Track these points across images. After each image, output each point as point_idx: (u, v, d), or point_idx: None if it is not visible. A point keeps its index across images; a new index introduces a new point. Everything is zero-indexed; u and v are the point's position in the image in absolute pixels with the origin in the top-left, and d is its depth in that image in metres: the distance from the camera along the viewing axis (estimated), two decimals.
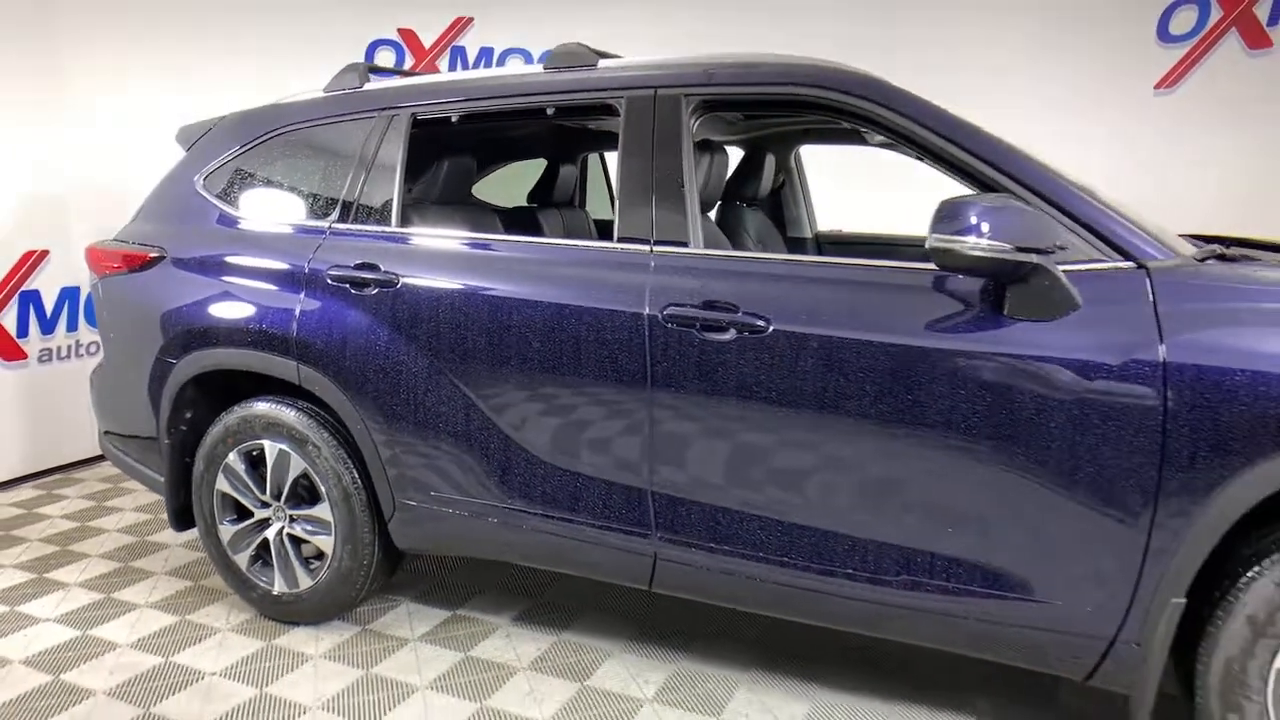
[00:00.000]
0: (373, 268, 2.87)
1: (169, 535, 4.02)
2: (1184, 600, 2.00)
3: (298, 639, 3.10)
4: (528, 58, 6.23)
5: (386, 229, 2.97)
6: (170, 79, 5.28)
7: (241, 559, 3.18)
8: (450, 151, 3.37)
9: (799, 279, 2.40)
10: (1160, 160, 5.07)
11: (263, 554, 3.17)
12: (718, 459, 2.44)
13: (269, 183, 3.28)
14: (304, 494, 3.08)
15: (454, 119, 3.01)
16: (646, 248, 2.55)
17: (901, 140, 2.39)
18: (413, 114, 3.01)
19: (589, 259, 2.71)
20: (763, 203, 3.84)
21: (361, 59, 6.06)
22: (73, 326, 5.08)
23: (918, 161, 2.53)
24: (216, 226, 3.26)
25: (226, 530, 3.18)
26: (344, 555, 3.01)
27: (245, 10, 5.77)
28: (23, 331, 4.83)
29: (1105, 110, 5.19)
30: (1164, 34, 5.17)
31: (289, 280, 3.01)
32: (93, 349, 5.16)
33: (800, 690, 2.76)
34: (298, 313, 2.95)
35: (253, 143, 3.31)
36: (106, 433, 3.56)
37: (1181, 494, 1.96)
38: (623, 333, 2.49)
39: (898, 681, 2.80)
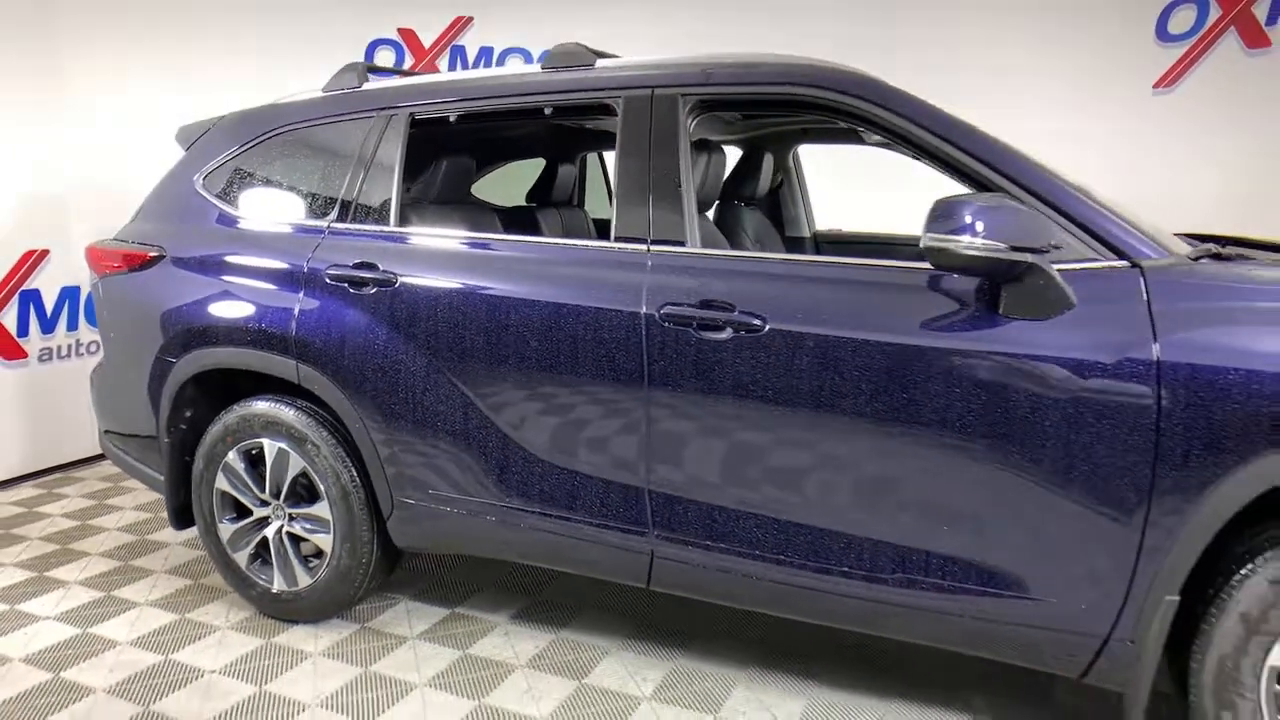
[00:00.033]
0: (371, 267, 2.88)
1: (169, 534, 4.03)
2: (1178, 598, 2.01)
3: (297, 637, 3.11)
4: (527, 57, 6.24)
5: (385, 228, 2.98)
6: (170, 79, 5.29)
7: (241, 557, 3.19)
8: (449, 151, 3.38)
9: (795, 278, 2.41)
10: (1159, 159, 5.08)
11: (262, 552, 3.18)
12: (714, 457, 2.45)
13: (268, 182, 3.29)
14: (303, 492, 3.09)
15: (452, 119, 3.02)
16: (644, 247, 2.56)
17: (898, 140, 2.40)
18: (411, 114, 3.02)
19: (586, 258, 2.72)
20: (761, 202, 3.85)
21: (361, 59, 6.07)
22: (73, 326, 5.09)
23: (915, 161, 2.54)
24: (216, 226, 3.27)
25: (226, 529, 3.19)
26: (343, 553, 3.02)
27: (245, 10, 5.78)
28: (23, 331, 4.85)
29: (1104, 109, 5.20)
30: (1163, 33, 5.18)
31: (288, 280, 3.02)
32: (93, 348, 5.17)
33: (797, 688, 2.77)
34: (296, 312, 2.96)
35: (252, 142, 3.32)
36: (106, 432, 3.58)
37: (1175, 492, 1.97)
38: (620, 332, 2.50)
39: (894, 679, 2.81)
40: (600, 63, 2.85)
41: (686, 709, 2.66)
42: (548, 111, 2.91)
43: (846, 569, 2.34)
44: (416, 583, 3.54)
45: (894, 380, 2.20)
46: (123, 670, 2.90)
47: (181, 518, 3.34)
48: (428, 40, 6.34)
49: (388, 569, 3.19)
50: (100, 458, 5.05)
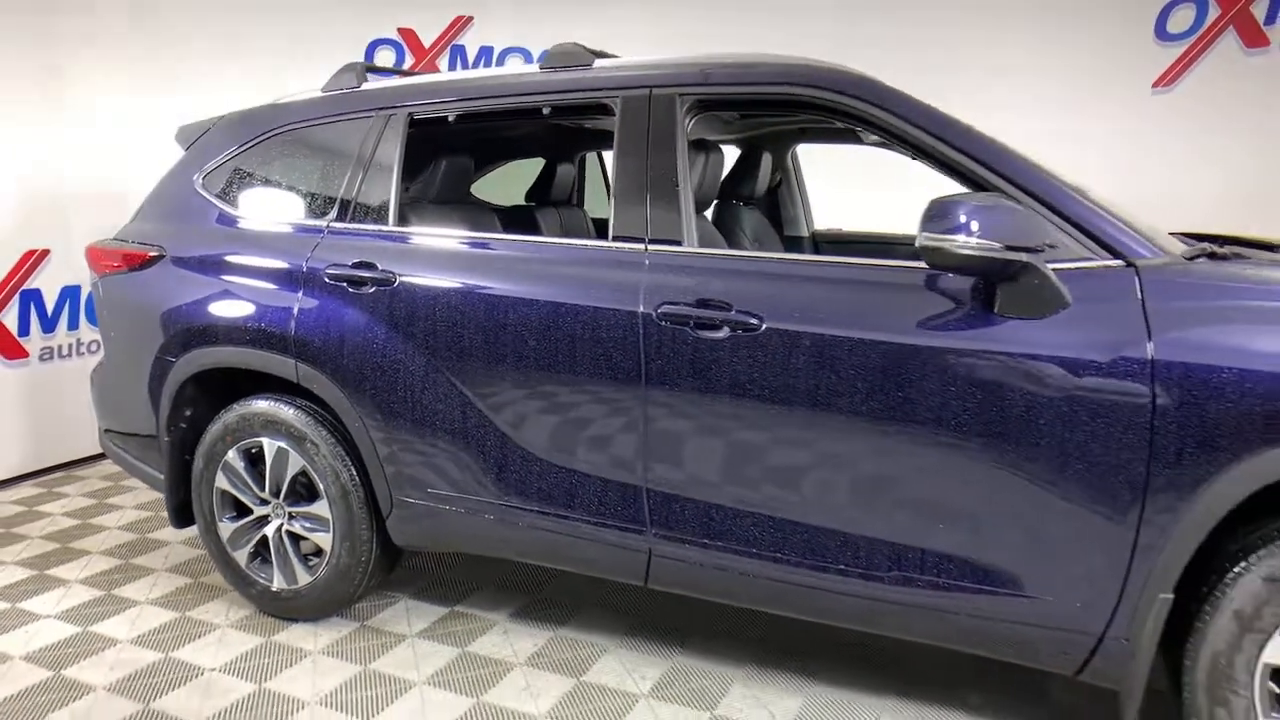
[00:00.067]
0: (370, 266, 2.89)
1: (169, 532, 4.04)
2: (1172, 596, 2.02)
3: (296, 635, 3.13)
4: (527, 57, 6.25)
5: (383, 228, 2.99)
6: (170, 79, 5.30)
7: (241, 556, 3.20)
8: (447, 151, 3.39)
9: (791, 277, 2.43)
10: (1158, 159, 5.08)
11: (262, 551, 3.19)
12: (711, 456, 2.46)
13: (268, 182, 3.30)
14: (303, 491, 3.10)
15: (450, 118, 3.03)
16: (641, 246, 2.57)
17: (894, 139, 2.41)
18: (409, 114, 3.03)
19: (584, 258, 2.73)
20: (759, 202, 3.86)
21: (361, 58, 6.10)
22: (74, 325, 5.11)
23: (914, 161, 2.54)
24: (215, 226, 3.28)
25: (226, 527, 3.20)
26: (342, 552, 3.03)
27: (245, 10, 5.79)
28: (24, 330, 4.86)
29: (1103, 109, 5.21)
30: (1162, 32, 5.18)
31: (287, 279, 3.03)
32: (94, 347, 5.18)
33: (795, 685, 2.78)
34: (296, 311, 2.97)
35: (251, 142, 3.33)
36: (107, 431, 3.59)
37: (1169, 490, 1.98)
38: (617, 331, 2.51)
39: (891, 677, 2.82)
40: (598, 63, 2.86)
41: (684, 706, 2.67)
42: (546, 111, 2.92)
43: (843, 567, 2.35)
44: (416, 581, 3.55)
45: (890, 379, 2.21)
46: (123, 668, 2.91)
47: (181, 516, 3.36)
48: (428, 40, 6.35)
49: (387, 567, 3.20)
50: (101, 457, 5.06)
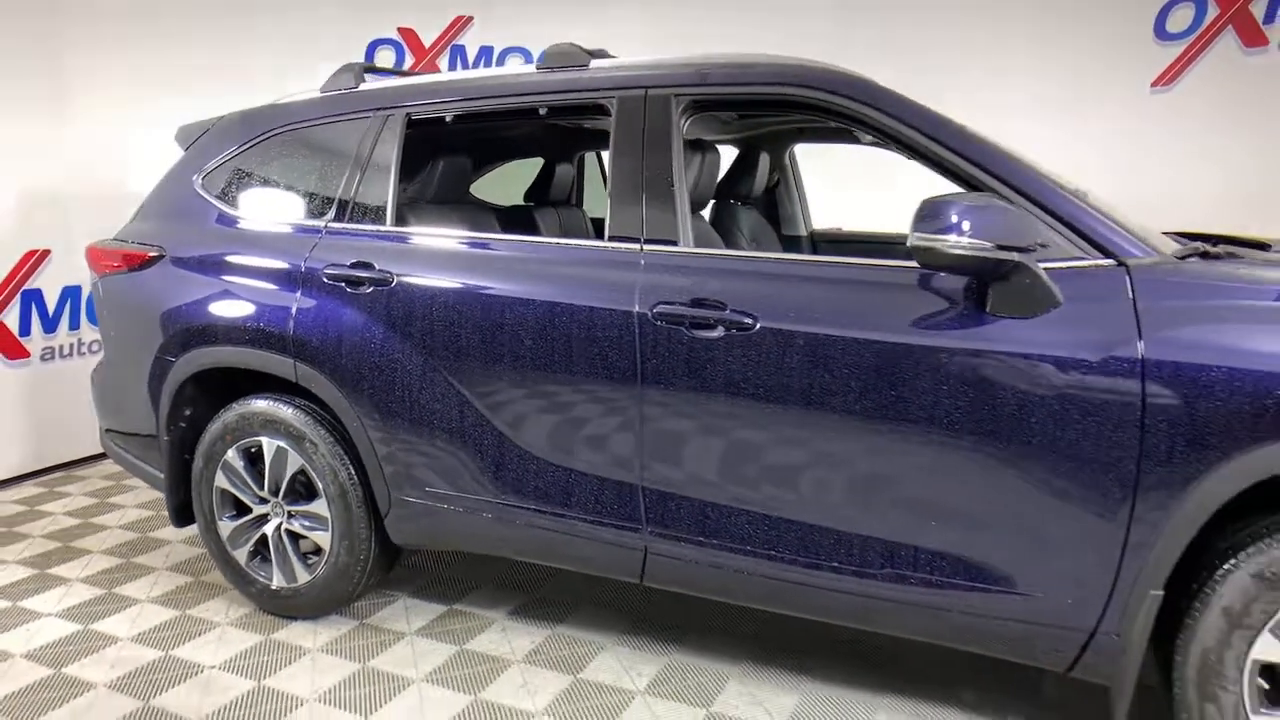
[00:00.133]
0: (368, 266, 2.91)
1: (170, 531, 4.07)
2: (1162, 592, 2.04)
3: (296, 633, 3.14)
4: (527, 57, 6.26)
5: (381, 228, 3.00)
6: (170, 79, 5.32)
7: (240, 554, 3.22)
8: (445, 151, 3.41)
9: (786, 277, 2.44)
10: (1157, 158, 5.09)
11: (261, 549, 3.21)
12: (707, 455, 2.48)
13: (267, 182, 3.32)
14: (302, 490, 3.12)
15: (448, 119, 3.04)
16: (637, 246, 2.59)
17: (888, 139, 2.42)
18: (407, 114, 3.05)
19: (580, 258, 2.75)
20: (757, 201, 3.87)
21: (361, 58, 6.12)
22: (75, 325, 5.13)
23: (909, 160, 2.56)
24: (215, 226, 3.30)
25: (226, 526, 3.22)
26: (341, 550, 3.05)
27: (245, 10, 5.81)
28: (25, 330, 4.88)
29: (1102, 108, 5.21)
30: (1161, 32, 5.18)
31: (286, 279, 3.05)
32: (94, 347, 5.21)
33: (790, 683, 2.80)
34: (294, 311, 2.99)
35: (250, 142, 3.35)
36: (107, 430, 3.61)
37: (1159, 488, 2.00)
38: (613, 330, 2.53)
39: (887, 674, 2.83)
40: (595, 63, 2.87)
41: (680, 703, 2.68)
42: (543, 112, 2.94)
43: (837, 564, 2.37)
44: (415, 579, 3.57)
45: (883, 378, 2.22)
46: (123, 666, 2.93)
47: (182, 515, 3.38)
48: (428, 40, 6.36)
49: (386, 566, 3.22)
50: (102, 456, 5.09)
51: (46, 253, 4.94)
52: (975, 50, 5.40)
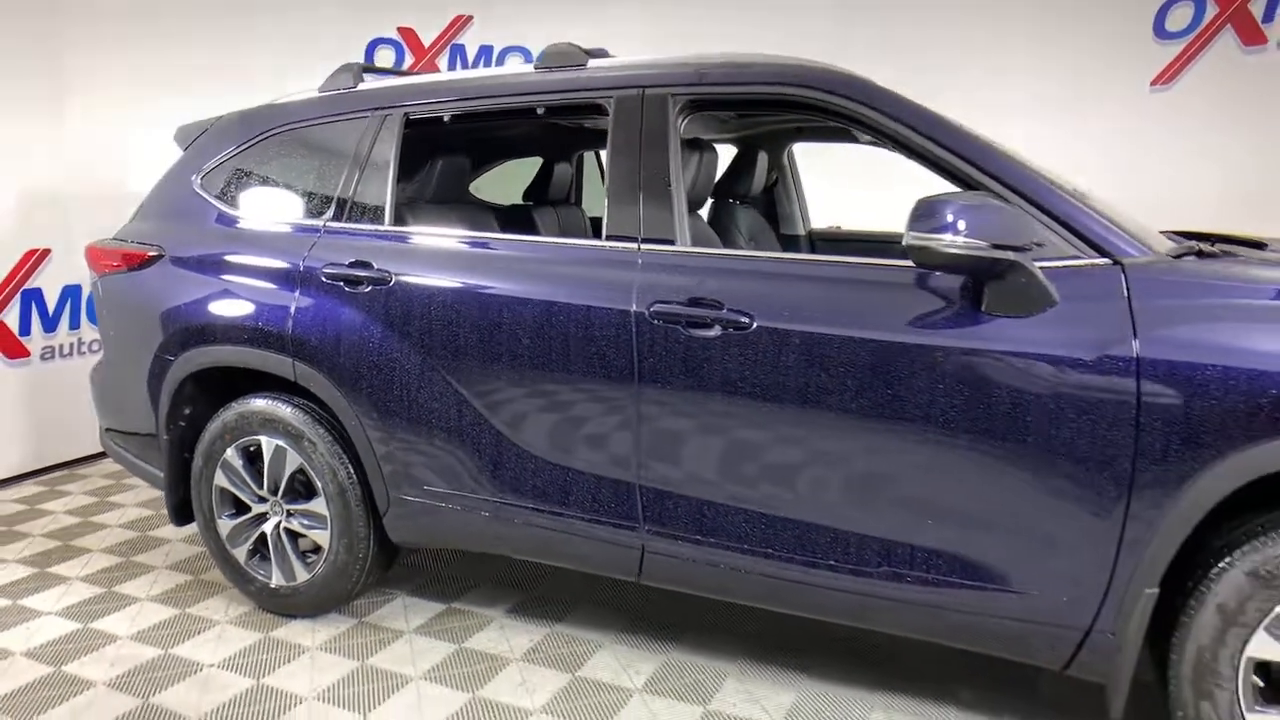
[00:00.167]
0: (366, 265, 2.92)
1: (170, 530, 4.08)
2: (1157, 590, 2.04)
3: (295, 631, 3.15)
4: (527, 56, 6.26)
5: (380, 227, 3.01)
6: (170, 78, 5.32)
7: (240, 553, 3.23)
8: (444, 150, 3.41)
9: (782, 276, 2.45)
10: (1156, 157, 5.09)
11: (260, 548, 3.22)
12: (704, 453, 2.48)
13: (265, 182, 3.33)
14: (301, 489, 3.13)
15: (446, 118, 3.05)
16: (634, 245, 2.59)
17: (885, 139, 2.42)
18: (405, 114, 3.05)
19: (578, 257, 2.76)
20: (756, 200, 3.88)
21: (361, 58, 6.13)
22: (75, 324, 5.14)
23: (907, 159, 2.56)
24: (214, 225, 3.30)
25: (225, 525, 3.23)
26: (340, 549, 3.06)
27: (245, 9, 5.81)
28: (25, 329, 4.89)
29: (1102, 107, 5.21)
30: (1160, 30, 5.19)
31: (285, 278, 3.06)
32: (95, 346, 5.22)
33: (788, 680, 2.80)
34: (293, 310, 3.00)
35: (249, 142, 3.36)
36: (107, 429, 3.62)
37: (1154, 486, 2.00)
38: (610, 330, 2.54)
39: (884, 672, 2.84)
40: (592, 63, 2.87)
41: (677, 700, 2.69)
42: (540, 111, 2.95)
43: (833, 563, 2.37)
44: (414, 578, 3.58)
45: (879, 377, 2.23)
46: (123, 664, 2.94)
47: (181, 514, 3.39)
48: (427, 39, 6.37)
49: (385, 564, 3.22)
50: (102, 455, 5.09)
51: (47, 252, 4.94)
52: (975, 49, 5.40)
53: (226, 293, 3.14)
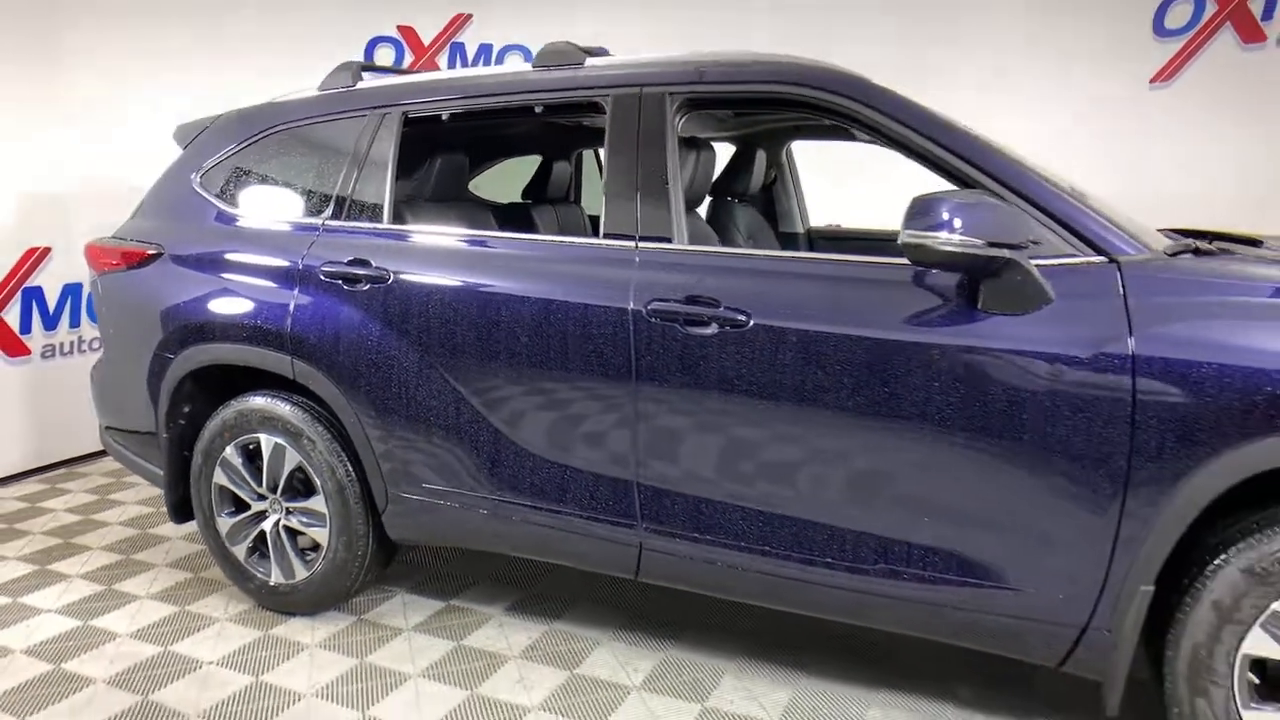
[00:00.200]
0: (364, 264, 2.92)
1: (170, 528, 4.08)
2: (1153, 588, 2.05)
3: (294, 629, 3.16)
4: (526, 54, 6.26)
5: (378, 226, 3.01)
6: (170, 76, 5.33)
7: (239, 551, 3.24)
8: (442, 149, 3.42)
9: (779, 274, 2.46)
10: (1156, 154, 5.09)
11: (260, 546, 3.23)
12: (701, 451, 2.49)
13: (265, 180, 3.33)
14: (300, 487, 3.14)
15: (444, 117, 3.05)
16: (631, 244, 2.60)
17: (881, 137, 2.42)
18: (404, 112, 3.06)
19: (575, 255, 2.77)
20: (754, 198, 3.88)
21: (361, 56, 6.13)
22: (75, 322, 5.15)
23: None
24: (213, 224, 3.31)
25: (224, 523, 3.24)
26: (339, 547, 3.07)
27: (245, 7, 5.82)
28: (26, 328, 4.90)
29: (1101, 104, 5.22)
30: (1159, 28, 5.19)
31: (283, 276, 3.06)
32: (95, 345, 5.22)
33: (785, 678, 2.81)
34: (292, 308, 3.00)
35: (249, 141, 3.36)
36: (107, 427, 3.62)
37: (1150, 484, 2.01)
38: (608, 328, 2.54)
39: (881, 670, 2.84)
40: (590, 61, 2.88)
41: (675, 698, 2.70)
42: (538, 110, 2.95)
43: (830, 560, 2.38)
44: (413, 576, 3.59)
45: (875, 374, 2.23)
46: (122, 661, 2.95)
47: (181, 512, 3.39)
48: (427, 37, 6.37)
49: (384, 562, 3.23)
50: (103, 453, 5.09)
51: (47, 250, 4.95)
52: (974, 47, 5.41)
53: (226, 291, 3.15)
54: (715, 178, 3.43)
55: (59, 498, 4.58)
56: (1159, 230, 2.60)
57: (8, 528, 4.15)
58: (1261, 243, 2.59)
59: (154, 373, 3.27)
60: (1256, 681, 2.01)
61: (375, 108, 3.11)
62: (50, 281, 4.99)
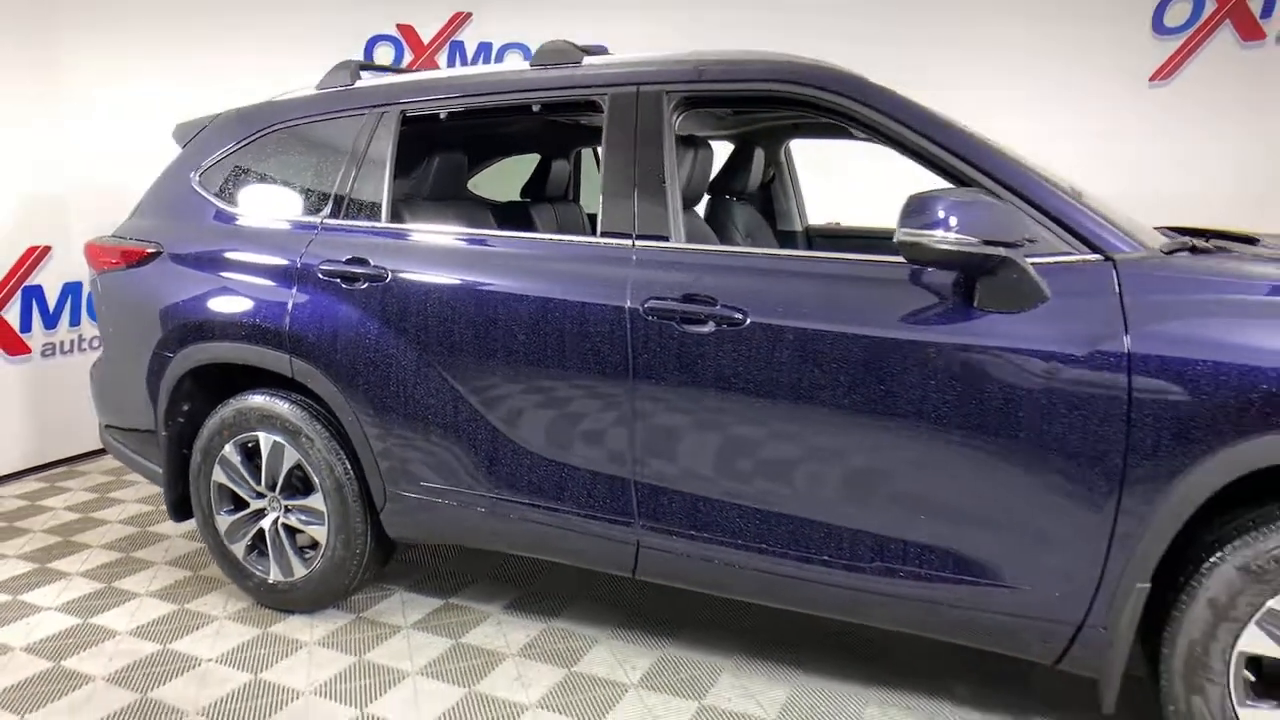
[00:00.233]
0: (362, 262, 2.93)
1: (169, 526, 4.09)
2: (1149, 585, 2.05)
3: (293, 626, 3.17)
4: (526, 53, 6.26)
5: (376, 224, 3.02)
6: (170, 75, 5.33)
7: (238, 548, 3.24)
8: (440, 147, 3.42)
9: (776, 272, 2.46)
10: (1155, 152, 5.10)
11: (258, 544, 3.23)
12: (698, 449, 2.49)
13: (263, 179, 3.33)
14: (298, 485, 3.14)
15: (442, 115, 3.06)
16: (629, 242, 2.60)
17: (878, 135, 2.43)
18: (402, 111, 3.06)
19: (573, 253, 2.77)
20: (753, 196, 3.88)
21: (361, 54, 6.14)
22: (75, 321, 5.15)
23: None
24: (212, 222, 3.31)
25: (223, 520, 3.24)
26: (337, 545, 3.07)
27: (245, 6, 5.82)
28: (26, 326, 4.90)
29: (1101, 102, 5.22)
30: (1159, 26, 5.19)
31: (282, 275, 3.07)
32: (95, 343, 5.23)
33: (783, 675, 2.81)
34: (290, 307, 3.01)
35: (247, 139, 3.36)
36: (107, 426, 3.63)
37: (1146, 481, 2.01)
38: (605, 326, 2.54)
39: (878, 667, 2.85)
40: (587, 60, 2.88)
41: (672, 695, 2.70)
42: (536, 109, 2.95)
43: (827, 558, 2.38)
44: (412, 574, 3.59)
45: (871, 372, 2.23)
46: (122, 659, 2.96)
47: (180, 510, 3.40)
48: (426, 36, 6.37)
49: (382, 560, 3.24)
50: (103, 452, 5.09)
51: (47, 249, 4.96)
52: (973, 45, 5.41)
53: (224, 289, 3.15)
54: (713, 176, 3.44)
55: (59, 496, 4.59)
56: (1156, 228, 2.60)
57: (8, 526, 4.16)
58: (1258, 240, 2.59)
59: (153, 371, 3.28)
60: (1252, 679, 2.01)
61: (373, 106, 3.12)
62: (50, 280, 5.00)
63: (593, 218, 4.27)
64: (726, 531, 2.50)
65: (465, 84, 3.05)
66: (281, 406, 3.08)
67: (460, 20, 6.35)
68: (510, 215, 3.84)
